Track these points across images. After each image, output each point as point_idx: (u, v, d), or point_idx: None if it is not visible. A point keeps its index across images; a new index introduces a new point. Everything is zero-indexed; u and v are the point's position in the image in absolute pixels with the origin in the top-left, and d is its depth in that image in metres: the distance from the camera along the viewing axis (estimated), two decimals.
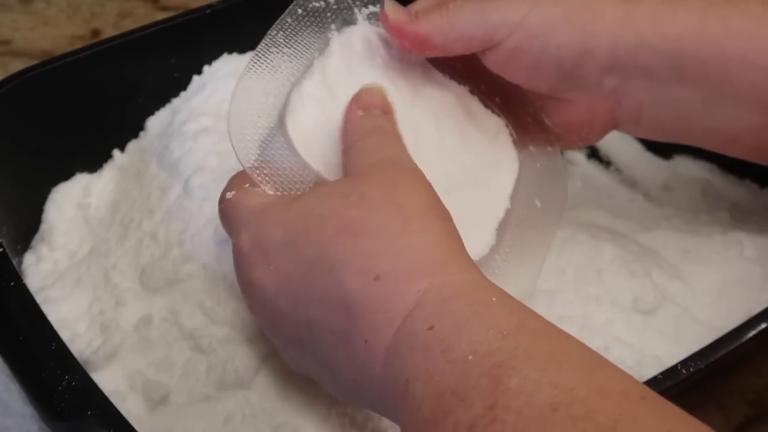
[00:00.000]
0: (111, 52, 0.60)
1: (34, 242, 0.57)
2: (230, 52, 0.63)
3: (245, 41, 0.63)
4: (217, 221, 0.48)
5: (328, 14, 0.50)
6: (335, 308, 0.39)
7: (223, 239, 0.50)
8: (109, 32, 0.78)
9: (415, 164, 0.43)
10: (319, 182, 0.45)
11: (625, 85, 0.50)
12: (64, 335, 0.47)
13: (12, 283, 0.46)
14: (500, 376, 0.33)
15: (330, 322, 0.40)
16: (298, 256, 0.41)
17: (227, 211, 0.46)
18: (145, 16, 0.81)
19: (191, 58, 0.62)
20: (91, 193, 0.59)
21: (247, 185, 0.45)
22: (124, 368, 0.48)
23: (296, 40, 0.49)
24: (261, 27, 0.49)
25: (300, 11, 0.49)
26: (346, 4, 0.51)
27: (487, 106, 0.53)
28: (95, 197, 0.59)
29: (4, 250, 0.48)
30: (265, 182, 0.45)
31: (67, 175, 0.59)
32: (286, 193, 0.45)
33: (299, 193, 0.45)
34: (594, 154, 0.67)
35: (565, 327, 0.37)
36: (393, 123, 0.46)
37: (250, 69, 0.47)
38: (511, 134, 0.52)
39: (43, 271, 0.54)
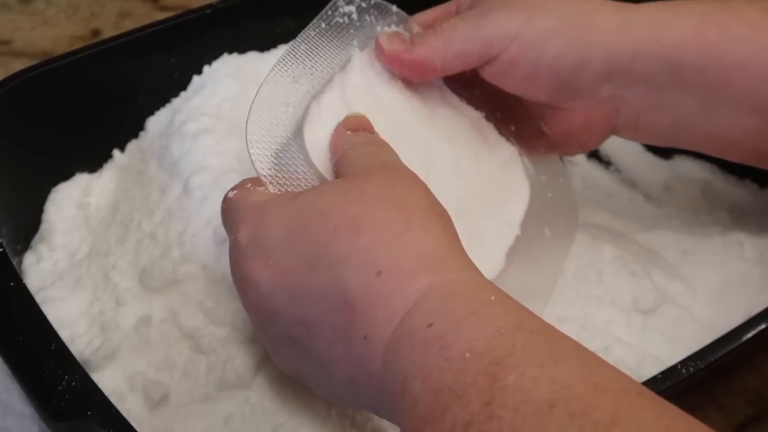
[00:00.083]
0: (111, 52, 0.60)
1: (34, 242, 0.57)
2: (230, 52, 0.63)
3: (245, 41, 0.63)
4: (217, 221, 0.48)
5: (351, 30, 0.51)
6: (335, 304, 0.39)
7: (223, 239, 0.49)
8: (109, 32, 0.78)
9: (410, 169, 0.43)
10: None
11: (623, 92, 0.50)
12: (64, 335, 0.47)
13: (12, 283, 0.46)
14: (497, 374, 0.33)
15: (329, 319, 0.39)
16: (298, 252, 0.41)
17: (228, 209, 0.46)
18: (145, 16, 0.81)
19: (191, 58, 0.62)
20: (91, 193, 0.59)
21: (249, 185, 0.45)
22: (124, 368, 0.48)
23: (318, 54, 0.50)
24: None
25: (324, 25, 0.50)
26: (368, 22, 0.52)
27: (501, 133, 0.53)
28: (95, 197, 0.59)
29: (4, 250, 0.48)
30: (278, 191, 0.45)
31: (67, 175, 0.59)
32: None
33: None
34: (594, 154, 0.67)
35: (565, 327, 0.37)
36: (381, 139, 0.46)
37: (272, 78, 0.48)
38: (523, 162, 0.53)
39: (43, 271, 0.54)
